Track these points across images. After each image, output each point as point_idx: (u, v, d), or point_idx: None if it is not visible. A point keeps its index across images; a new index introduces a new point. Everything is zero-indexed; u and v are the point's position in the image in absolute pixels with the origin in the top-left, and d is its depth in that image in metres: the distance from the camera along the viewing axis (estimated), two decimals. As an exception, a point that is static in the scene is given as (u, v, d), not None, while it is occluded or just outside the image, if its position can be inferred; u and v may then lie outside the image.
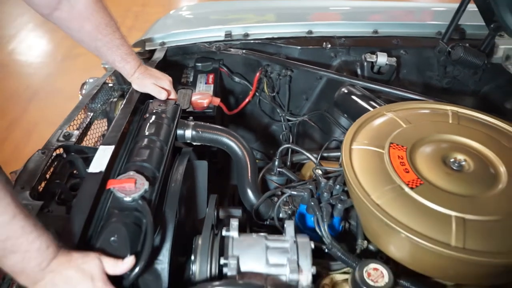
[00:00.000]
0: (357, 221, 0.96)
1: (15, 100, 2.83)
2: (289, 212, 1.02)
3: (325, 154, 1.18)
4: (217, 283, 0.73)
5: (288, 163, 1.24)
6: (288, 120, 1.47)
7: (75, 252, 0.69)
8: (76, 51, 3.33)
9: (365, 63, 1.31)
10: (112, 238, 0.75)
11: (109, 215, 0.79)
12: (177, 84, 1.38)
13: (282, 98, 1.49)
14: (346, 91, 1.25)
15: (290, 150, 1.24)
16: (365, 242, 0.93)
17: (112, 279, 0.71)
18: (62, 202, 0.93)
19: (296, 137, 1.50)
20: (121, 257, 0.72)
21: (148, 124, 1.01)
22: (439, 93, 1.39)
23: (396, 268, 0.82)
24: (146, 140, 0.96)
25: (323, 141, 1.39)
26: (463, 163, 0.88)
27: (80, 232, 0.75)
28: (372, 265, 0.82)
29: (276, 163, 1.16)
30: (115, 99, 1.26)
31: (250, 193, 1.07)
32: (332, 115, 1.34)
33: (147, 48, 1.44)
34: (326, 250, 0.89)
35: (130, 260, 0.71)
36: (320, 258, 0.92)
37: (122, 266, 0.71)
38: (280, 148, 1.15)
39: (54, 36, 3.72)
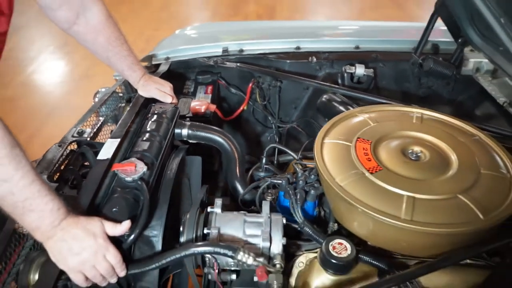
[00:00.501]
0: (329, 208, 1.09)
1: (33, 116, 3.03)
2: (270, 199, 1.16)
3: (308, 155, 1.32)
4: (199, 243, 0.88)
5: (275, 162, 1.38)
6: (278, 127, 1.63)
7: (82, 216, 0.84)
8: (91, 72, 3.56)
9: (345, 74, 1.47)
10: (114, 209, 0.91)
11: (113, 192, 0.95)
12: (179, 94, 1.54)
13: (273, 107, 1.65)
14: (327, 97, 1.40)
15: (276, 149, 1.38)
16: (335, 225, 1.06)
17: (113, 241, 0.85)
18: (74, 186, 1.09)
19: (285, 142, 1.65)
20: (120, 222, 0.87)
21: (150, 122, 1.18)
22: (417, 102, 1.52)
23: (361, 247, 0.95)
24: (147, 134, 1.12)
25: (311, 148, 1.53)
26: (420, 154, 1.02)
27: (88, 202, 0.90)
28: (337, 240, 0.95)
29: (264, 160, 1.31)
30: (123, 105, 1.43)
31: (237, 184, 1.22)
32: (316, 121, 1.48)
33: (153, 63, 1.62)
34: (299, 229, 1.02)
35: (126, 223, 0.86)
36: (296, 239, 1.05)
37: (120, 227, 0.85)
38: (267, 148, 1.30)
39: (72, 58, 3.96)
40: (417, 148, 1.04)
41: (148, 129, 1.15)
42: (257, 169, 1.34)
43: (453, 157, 1.02)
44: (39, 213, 0.80)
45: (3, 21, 0.98)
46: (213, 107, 1.44)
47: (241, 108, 1.62)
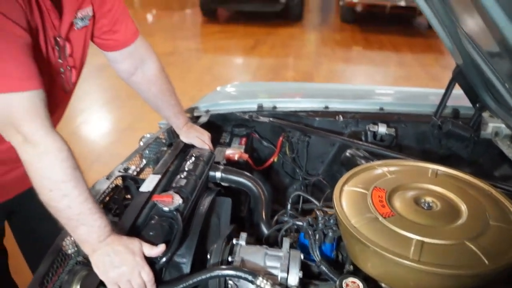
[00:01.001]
0: (346, 252, 1.17)
1: (80, 162, 3.26)
2: (291, 241, 1.25)
3: (330, 205, 1.42)
4: (223, 266, 0.98)
5: (299, 209, 1.48)
6: (305, 179, 1.74)
7: (124, 235, 0.97)
8: (136, 125, 3.83)
9: (369, 132, 1.59)
10: (151, 233, 1.04)
11: (151, 218, 1.09)
12: (216, 143, 1.69)
13: (301, 160, 1.77)
14: (351, 152, 1.52)
15: (301, 197, 1.49)
16: (351, 266, 1.14)
17: (148, 262, 0.97)
18: (116, 215, 1.22)
19: (311, 194, 1.75)
20: (156, 245, 0.99)
21: (188, 162, 1.33)
22: (437, 162, 1.62)
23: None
24: (185, 173, 1.27)
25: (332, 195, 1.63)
26: (432, 204, 1.10)
27: (130, 225, 1.03)
28: (351, 279, 1.04)
29: (288, 206, 1.41)
30: (165, 149, 1.59)
31: (262, 225, 1.32)
32: (340, 175, 1.58)
33: (195, 114, 1.79)
34: (316, 267, 1.10)
35: (161, 246, 0.98)
36: (313, 279, 1.13)
37: (156, 249, 0.97)
38: (292, 195, 1.41)
39: (118, 112, 4.28)
40: (429, 199, 1.13)
41: (186, 169, 1.29)
42: (282, 214, 1.44)
43: (463, 207, 1.09)
44: (89, 227, 0.93)
45: (74, 73, 1.18)
46: (245, 156, 1.58)
47: (271, 160, 1.75)
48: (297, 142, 1.74)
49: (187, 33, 7.65)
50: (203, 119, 1.74)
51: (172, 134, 1.65)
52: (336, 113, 1.72)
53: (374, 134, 1.60)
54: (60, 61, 1.10)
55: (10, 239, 1.53)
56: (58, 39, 1.07)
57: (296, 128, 1.69)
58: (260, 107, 1.79)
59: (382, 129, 1.57)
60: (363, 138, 1.63)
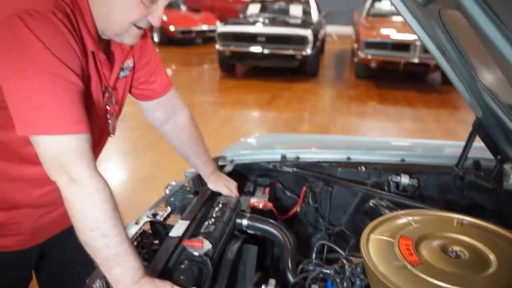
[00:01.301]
0: (374, 300, 1.17)
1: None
2: (318, 288, 1.25)
3: (355, 254, 1.42)
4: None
5: (324, 258, 1.48)
6: (328, 229, 1.75)
7: (156, 278, 1.00)
8: (155, 175, 3.90)
9: (391, 183, 1.62)
10: (182, 277, 1.06)
11: (181, 263, 1.11)
12: (241, 193, 1.72)
13: (324, 210, 1.79)
14: (374, 202, 1.54)
15: (325, 247, 1.50)
16: (379, 316, 1.13)
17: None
18: (145, 259, 1.25)
19: (334, 244, 1.75)
20: (186, 288, 1.01)
21: (216, 209, 1.36)
22: (460, 213, 1.62)
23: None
24: (213, 219, 1.30)
25: (357, 248, 1.63)
26: (459, 253, 1.11)
27: (160, 269, 1.06)
28: (379, 328, 1.03)
29: (313, 256, 1.42)
30: (191, 196, 1.63)
31: (288, 273, 1.33)
32: (364, 225, 1.60)
33: (219, 164, 1.84)
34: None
35: None
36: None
37: None
38: (317, 244, 1.42)
39: (139, 161, 4.37)
40: (456, 248, 1.14)
41: (214, 215, 1.33)
42: (307, 263, 1.45)
43: (492, 257, 1.10)
44: (124, 268, 0.96)
45: (117, 108, 1.27)
46: (270, 205, 1.61)
47: (295, 209, 1.77)
48: (320, 192, 1.77)
49: (205, 87, 7.90)
50: (228, 169, 1.78)
51: (197, 182, 1.69)
52: (358, 164, 1.76)
53: (397, 184, 1.62)
54: (108, 107, 1.18)
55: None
56: (108, 88, 1.15)
57: (319, 178, 1.73)
58: (284, 157, 1.84)
59: (404, 179, 1.60)
60: (385, 189, 1.65)
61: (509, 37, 0.69)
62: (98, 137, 1.21)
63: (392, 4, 1.44)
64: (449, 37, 1.19)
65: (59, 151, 0.93)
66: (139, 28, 1.08)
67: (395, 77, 8.23)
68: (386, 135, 5.42)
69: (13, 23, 0.90)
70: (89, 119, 0.99)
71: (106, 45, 1.15)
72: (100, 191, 0.96)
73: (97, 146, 1.22)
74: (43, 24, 0.91)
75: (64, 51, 0.94)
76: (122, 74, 1.21)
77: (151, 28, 9.55)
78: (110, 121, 1.23)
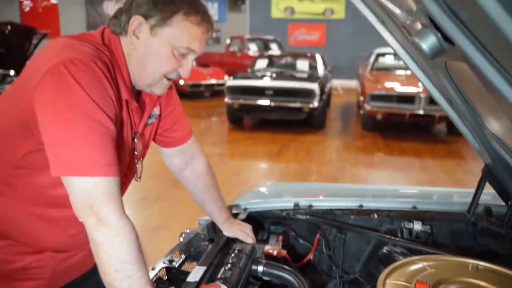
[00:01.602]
0: None
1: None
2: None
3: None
4: None
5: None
6: (341, 277, 1.74)
7: None
8: (166, 224, 3.91)
9: (404, 229, 1.63)
10: (202, 321, 1.06)
11: (200, 307, 1.12)
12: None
13: (337, 258, 1.79)
14: (388, 249, 1.55)
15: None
16: None
17: None
18: (162, 304, 1.26)
19: (349, 292, 1.74)
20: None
21: (232, 255, 1.38)
22: (474, 259, 1.62)
23: None
24: (229, 265, 1.32)
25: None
26: (476, 297, 1.12)
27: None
28: None
29: (329, 304, 1.42)
30: (206, 243, 1.65)
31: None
32: (378, 271, 1.60)
33: (233, 211, 1.87)
34: None
35: None
36: None
37: None
38: (332, 293, 1.42)
39: (148, 211, 4.39)
40: (473, 292, 1.14)
41: (230, 261, 1.35)
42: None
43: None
44: None
45: (144, 152, 1.33)
46: (284, 252, 1.62)
47: (308, 257, 1.78)
48: (334, 240, 1.78)
49: (214, 139, 8.02)
50: (241, 216, 1.81)
51: (211, 230, 1.72)
52: (370, 211, 1.78)
53: (410, 231, 1.63)
54: (136, 153, 1.24)
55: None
56: (137, 134, 1.22)
57: (333, 225, 1.74)
58: (297, 205, 1.87)
59: (417, 226, 1.62)
60: (398, 235, 1.66)
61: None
62: (124, 180, 1.27)
63: (400, 57, 1.53)
64: (455, 87, 1.26)
65: (90, 192, 0.98)
66: (169, 79, 1.17)
67: (401, 128, 8.34)
68: (395, 185, 5.42)
69: (58, 71, 0.98)
70: (119, 162, 1.05)
71: (137, 94, 1.24)
72: (127, 233, 1.00)
73: (123, 190, 1.28)
74: (85, 72, 0.99)
75: (102, 98, 1.02)
76: (149, 121, 1.29)
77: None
78: (137, 166, 1.29)
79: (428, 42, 0.90)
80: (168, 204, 4.40)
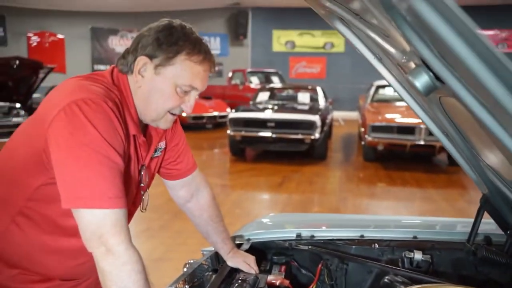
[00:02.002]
0: None
1: None
2: None
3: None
4: None
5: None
6: (345, 307, 1.75)
7: None
8: (168, 256, 3.90)
9: (405, 259, 1.66)
10: None
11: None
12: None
13: (340, 288, 1.81)
14: (389, 278, 1.57)
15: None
16: None
17: None
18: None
19: (352, 323, 1.74)
20: None
21: (235, 286, 1.41)
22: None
23: None
24: (233, 295, 1.34)
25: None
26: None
27: None
28: None
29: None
30: (210, 273, 1.67)
31: None
32: (381, 301, 1.61)
33: (236, 242, 1.90)
34: None
35: None
36: None
37: None
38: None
39: (151, 242, 4.38)
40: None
41: (233, 292, 1.37)
42: None
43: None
44: None
45: (150, 183, 1.38)
46: (286, 282, 1.64)
47: (310, 287, 1.79)
48: (335, 270, 1.80)
49: (216, 170, 8.06)
50: (245, 247, 1.84)
51: (215, 260, 1.74)
52: (372, 241, 1.81)
53: (411, 260, 1.66)
54: (142, 185, 1.29)
55: None
56: (143, 167, 1.27)
57: (334, 255, 1.77)
58: (299, 236, 1.90)
59: (418, 255, 1.64)
60: (399, 265, 1.69)
61: (500, 121, 0.80)
62: (131, 211, 1.31)
63: (397, 93, 1.60)
64: (450, 121, 1.31)
65: (100, 223, 1.03)
66: (173, 114, 1.23)
67: (402, 159, 8.38)
68: (397, 215, 5.42)
69: (71, 110, 1.05)
70: (126, 194, 1.10)
71: (144, 128, 1.30)
72: (134, 263, 1.04)
73: (128, 219, 1.32)
74: (96, 111, 1.06)
75: (111, 135, 1.08)
76: (155, 154, 1.35)
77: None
78: (143, 197, 1.34)
79: (421, 81, 0.96)
80: (170, 235, 4.41)
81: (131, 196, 1.29)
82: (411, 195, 6.40)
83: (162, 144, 1.38)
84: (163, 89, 1.18)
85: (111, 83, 1.20)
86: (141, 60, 1.18)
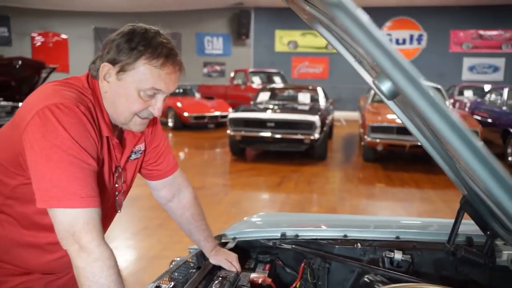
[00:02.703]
0: None
1: None
2: None
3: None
4: None
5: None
6: (327, 306, 1.77)
7: None
8: (164, 254, 3.94)
9: (385, 259, 1.68)
10: None
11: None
12: (242, 268, 1.79)
13: (322, 286, 1.83)
14: (369, 277, 1.59)
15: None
16: None
17: None
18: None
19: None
20: None
21: (215, 283, 1.44)
22: (456, 289, 1.65)
23: None
24: (211, 292, 1.37)
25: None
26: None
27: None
28: None
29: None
30: (193, 270, 1.70)
31: None
32: (361, 300, 1.63)
33: (222, 241, 1.93)
34: None
35: None
36: None
37: None
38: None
39: (149, 240, 4.43)
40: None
41: (213, 288, 1.40)
42: None
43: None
44: None
45: (125, 186, 1.41)
46: (269, 280, 1.67)
47: (293, 286, 1.82)
48: (318, 269, 1.82)
49: (216, 170, 8.10)
50: (230, 245, 1.86)
51: (200, 258, 1.77)
52: (354, 241, 1.83)
53: (391, 260, 1.68)
54: (116, 185, 1.32)
55: None
56: (118, 168, 1.30)
57: (317, 254, 1.79)
58: (283, 235, 1.92)
59: (398, 255, 1.66)
60: (380, 265, 1.71)
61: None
62: (107, 212, 1.35)
63: (377, 94, 1.61)
64: (425, 122, 1.33)
65: (72, 222, 1.07)
66: (142, 118, 1.25)
67: (401, 159, 8.39)
68: (395, 216, 5.43)
69: (44, 114, 1.09)
70: (100, 194, 1.13)
71: (120, 132, 1.33)
72: (106, 259, 1.07)
73: (106, 220, 1.35)
74: (68, 115, 1.10)
75: (83, 137, 1.12)
76: (134, 156, 1.38)
77: (166, 114, 10.02)
78: (117, 198, 1.37)
79: (386, 86, 0.98)
80: (167, 234, 4.44)
81: (107, 197, 1.32)
82: (410, 195, 6.41)
83: (141, 146, 1.41)
84: (126, 94, 1.21)
85: (86, 87, 1.24)
86: (105, 66, 1.21)
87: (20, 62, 7.85)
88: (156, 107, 1.25)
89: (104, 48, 1.23)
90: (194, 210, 1.62)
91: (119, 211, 1.43)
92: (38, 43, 17.83)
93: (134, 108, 1.23)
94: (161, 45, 1.21)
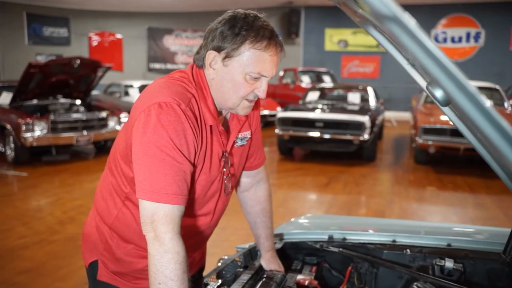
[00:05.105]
0: None
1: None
2: None
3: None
4: None
5: None
6: (373, 310, 1.76)
7: None
8: (211, 251, 3.98)
9: (436, 266, 1.64)
10: None
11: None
12: (288, 270, 1.82)
13: (370, 291, 1.81)
14: (419, 285, 1.56)
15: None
16: None
17: None
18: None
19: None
20: None
21: (261, 281, 1.47)
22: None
23: None
24: (260, 291, 1.40)
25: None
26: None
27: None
28: None
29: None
30: (241, 269, 1.74)
31: None
32: (409, 308, 1.61)
33: (269, 241, 1.95)
34: None
35: None
36: None
37: None
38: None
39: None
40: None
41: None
42: None
43: None
44: None
45: (233, 180, 1.51)
46: (315, 282, 1.68)
47: (340, 289, 1.82)
48: (365, 273, 1.81)
49: (263, 169, 8.13)
50: (277, 246, 1.89)
51: (247, 257, 1.81)
52: (403, 247, 1.80)
53: (441, 268, 1.64)
54: (224, 170, 1.41)
55: None
56: (225, 153, 1.38)
57: (365, 259, 1.78)
58: (331, 238, 1.92)
59: (449, 264, 1.62)
60: (430, 272, 1.67)
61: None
62: (216, 195, 1.44)
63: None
64: (478, 130, 1.29)
65: (153, 211, 1.18)
66: (249, 101, 1.32)
67: (455, 162, 8.08)
68: (446, 221, 5.25)
69: (148, 113, 1.20)
70: (207, 179, 1.27)
71: (224, 120, 1.43)
72: (175, 253, 1.15)
73: (216, 203, 1.45)
74: (169, 114, 1.19)
75: (179, 137, 1.21)
76: (240, 142, 1.46)
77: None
78: (225, 182, 1.45)
79: (439, 93, 0.97)
80: (215, 232, 4.51)
81: (215, 180, 1.40)
82: (463, 200, 6.17)
83: (247, 134, 1.49)
84: (233, 79, 1.27)
85: (191, 79, 1.32)
86: (210, 54, 1.28)
87: (78, 62, 8.23)
88: (262, 89, 1.30)
89: (207, 37, 1.30)
90: (265, 205, 1.68)
91: (225, 194, 1.49)
92: (95, 43, 18.61)
93: (241, 92, 1.28)
94: (262, 27, 1.26)
